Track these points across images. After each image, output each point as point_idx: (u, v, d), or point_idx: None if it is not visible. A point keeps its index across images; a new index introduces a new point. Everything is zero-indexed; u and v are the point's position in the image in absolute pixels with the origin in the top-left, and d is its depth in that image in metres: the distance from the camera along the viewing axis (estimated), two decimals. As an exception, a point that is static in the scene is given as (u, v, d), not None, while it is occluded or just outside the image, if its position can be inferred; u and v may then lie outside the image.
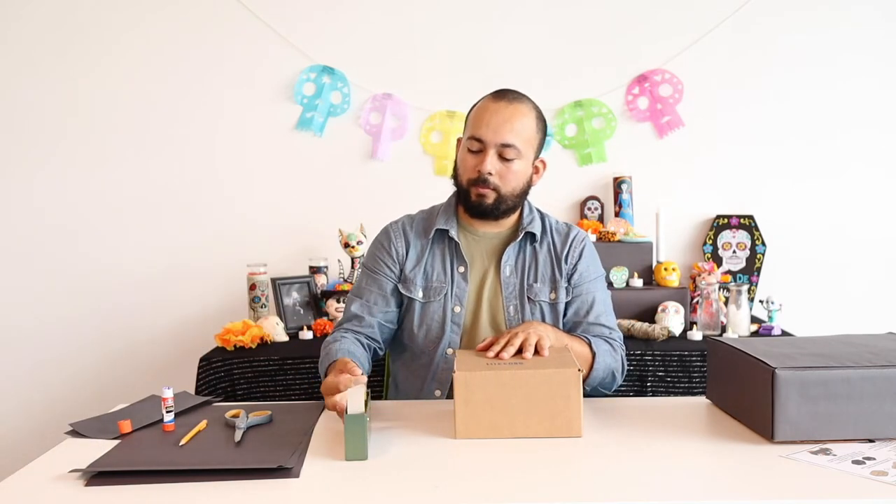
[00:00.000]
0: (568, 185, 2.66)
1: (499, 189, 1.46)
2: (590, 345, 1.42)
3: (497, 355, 1.24)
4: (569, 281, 1.53)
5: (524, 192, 1.52)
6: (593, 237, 2.45)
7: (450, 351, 1.49)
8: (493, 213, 1.49)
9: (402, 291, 1.52)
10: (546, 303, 1.51)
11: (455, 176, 1.54)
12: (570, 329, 1.51)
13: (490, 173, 1.44)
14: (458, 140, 1.56)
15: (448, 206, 1.57)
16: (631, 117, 2.64)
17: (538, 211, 1.59)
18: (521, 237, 1.52)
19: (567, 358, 1.21)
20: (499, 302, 1.51)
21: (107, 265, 2.63)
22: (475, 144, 1.45)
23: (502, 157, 1.45)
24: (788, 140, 2.63)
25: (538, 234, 1.54)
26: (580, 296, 1.52)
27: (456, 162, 1.54)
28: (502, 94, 1.47)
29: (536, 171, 1.53)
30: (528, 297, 1.51)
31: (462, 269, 1.52)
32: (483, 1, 2.59)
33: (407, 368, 1.56)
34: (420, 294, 1.51)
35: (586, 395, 1.34)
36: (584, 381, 1.38)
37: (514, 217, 1.55)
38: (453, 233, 1.52)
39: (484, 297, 1.51)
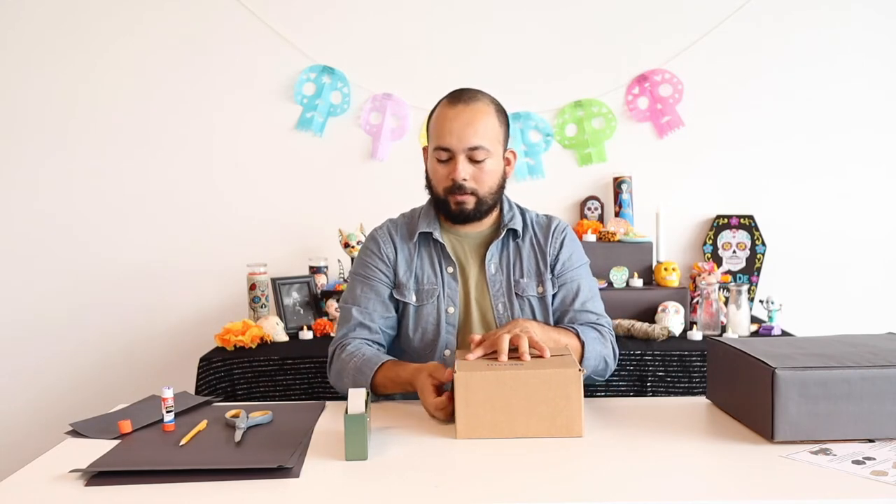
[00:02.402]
0: (568, 185, 2.66)
1: (477, 192, 1.46)
2: (577, 335, 1.41)
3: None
4: (553, 272, 1.53)
5: (501, 188, 1.52)
6: (593, 237, 2.45)
7: (447, 352, 1.49)
8: (475, 216, 1.50)
9: (397, 297, 1.52)
10: (534, 297, 1.51)
11: (429, 186, 1.53)
12: (558, 318, 1.51)
13: (465, 179, 1.44)
14: (424, 149, 1.55)
15: (429, 207, 1.57)
16: (631, 117, 2.64)
17: (518, 206, 1.59)
18: (503, 234, 1.52)
19: (567, 358, 1.21)
20: (487, 300, 1.51)
21: (107, 265, 2.63)
22: (443, 154, 1.45)
23: (473, 160, 1.45)
24: (788, 140, 2.63)
25: (520, 229, 1.53)
26: (565, 284, 1.52)
27: (427, 172, 1.54)
28: (457, 97, 1.47)
29: (508, 162, 1.53)
30: (516, 294, 1.50)
31: (451, 269, 1.52)
32: (483, 1, 2.60)
33: None
34: (413, 298, 1.51)
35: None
36: None
37: (494, 214, 1.55)
38: (437, 234, 1.52)
39: (472, 297, 1.51)
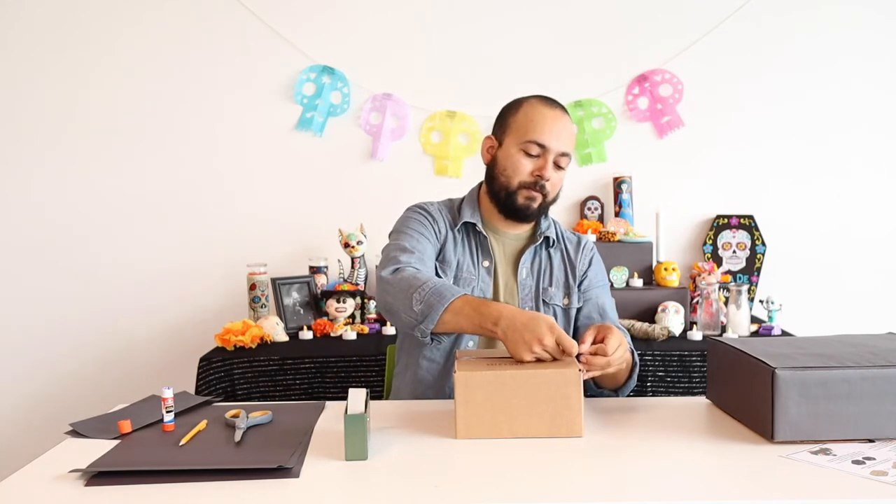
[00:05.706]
0: (568, 185, 2.60)
1: (547, 195, 1.49)
2: (632, 353, 1.42)
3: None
4: (579, 287, 1.55)
5: (556, 200, 1.55)
6: (593, 237, 2.45)
7: (470, 343, 1.48)
8: (532, 217, 1.51)
9: (439, 272, 1.50)
10: (559, 307, 1.53)
11: (494, 175, 1.51)
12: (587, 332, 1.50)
13: (548, 179, 1.46)
14: (491, 138, 1.54)
15: (471, 200, 1.57)
16: (631, 117, 2.64)
17: (552, 219, 1.61)
18: (539, 241, 1.54)
19: (567, 358, 1.21)
20: (514, 303, 1.51)
21: (107, 265, 2.63)
22: (535, 148, 1.45)
23: (557, 166, 1.47)
24: (788, 140, 2.63)
25: (553, 239, 1.56)
26: (590, 300, 1.55)
27: (498, 161, 1.51)
28: (552, 102, 1.49)
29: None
30: (543, 301, 1.52)
31: (487, 263, 1.52)
32: (483, 1, 2.60)
33: (428, 360, 1.51)
34: (451, 283, 1.50)
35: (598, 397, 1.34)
36: (620, 388, 1.43)
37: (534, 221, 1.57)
38: (480, 227, 1.53)
39: (501, 297, 1.52)
